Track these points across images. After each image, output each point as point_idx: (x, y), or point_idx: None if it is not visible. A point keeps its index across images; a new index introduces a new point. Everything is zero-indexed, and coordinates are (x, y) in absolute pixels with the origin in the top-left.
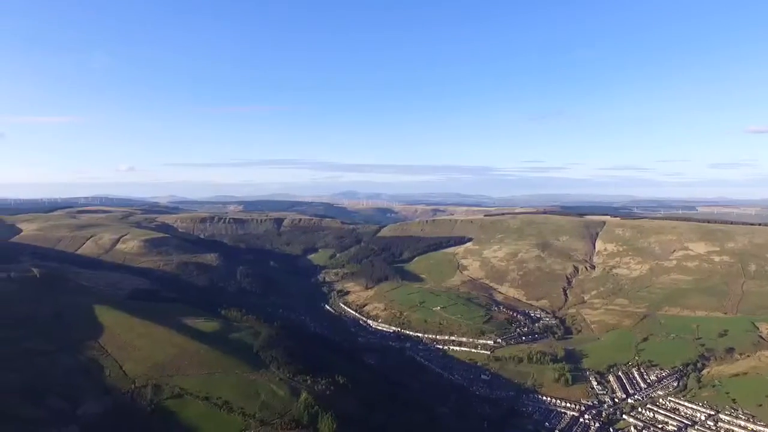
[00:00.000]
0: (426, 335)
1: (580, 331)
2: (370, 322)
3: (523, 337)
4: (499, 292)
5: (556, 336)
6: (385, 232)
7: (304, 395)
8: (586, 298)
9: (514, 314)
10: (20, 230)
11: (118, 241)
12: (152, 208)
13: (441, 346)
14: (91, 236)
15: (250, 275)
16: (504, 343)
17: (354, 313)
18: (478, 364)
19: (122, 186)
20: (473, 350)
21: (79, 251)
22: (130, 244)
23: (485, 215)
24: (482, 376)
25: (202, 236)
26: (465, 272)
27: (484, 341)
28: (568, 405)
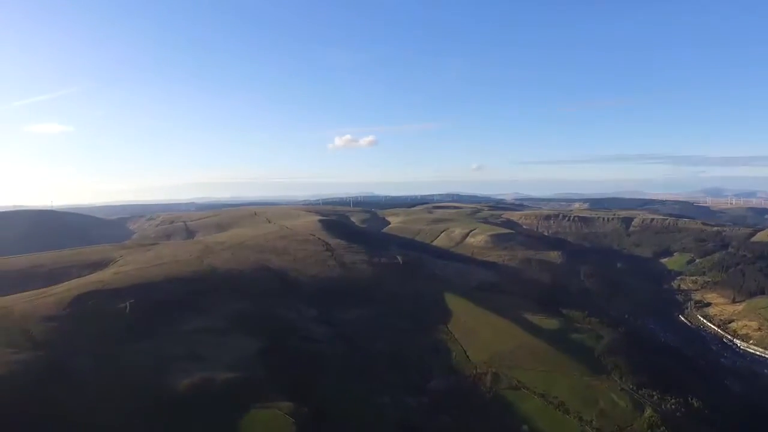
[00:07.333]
0: None
1: None
2: (736, 341)
3: None
4: None
5: None
6: (762, 236)
7: (648, 412)
8: None
9: None
10: (389, 222)
11: (467, 235)
12: (498, 205)
13: None
14: (444, 230)
15: (593, 275)
16: None
17: (715, 328)
18: None
19: (471, 184)
20: None
21: (434, 243)
22: (478, 239)
23: None
24: None
25: (545, 233)
26: None
27: None
28: None
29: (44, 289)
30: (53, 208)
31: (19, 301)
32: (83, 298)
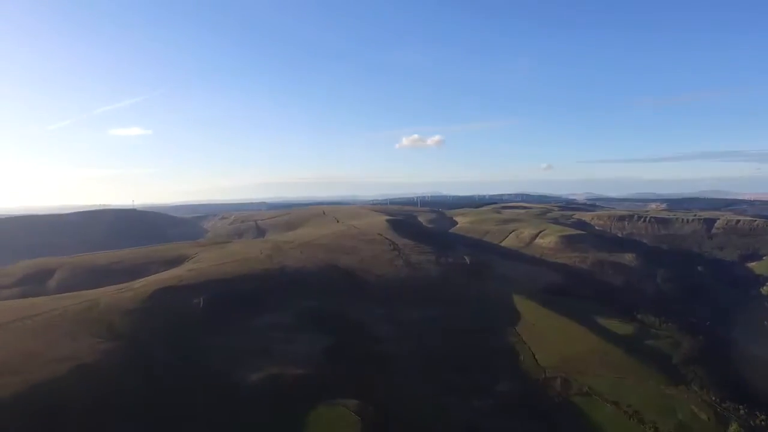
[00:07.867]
0: None
1: None
2: None
3: None
4: None
5: None
6: None
7: (734, 427)
8: None
9: None
10: (456, 222)
11: (536, 236)
12: (569, 205)
13: None
14: (513, 230)
15: (671, 279)
16: None
17: None
18: None
19: (540, 183)
20: None
21: (502, 243)
22: (548, 240)
23: None
24: None
25: (619, 235)
26: None
27: None
28: None
29: (125, 284)
30: (134, 207)
31: (104, 295)
32: (160, 293)
